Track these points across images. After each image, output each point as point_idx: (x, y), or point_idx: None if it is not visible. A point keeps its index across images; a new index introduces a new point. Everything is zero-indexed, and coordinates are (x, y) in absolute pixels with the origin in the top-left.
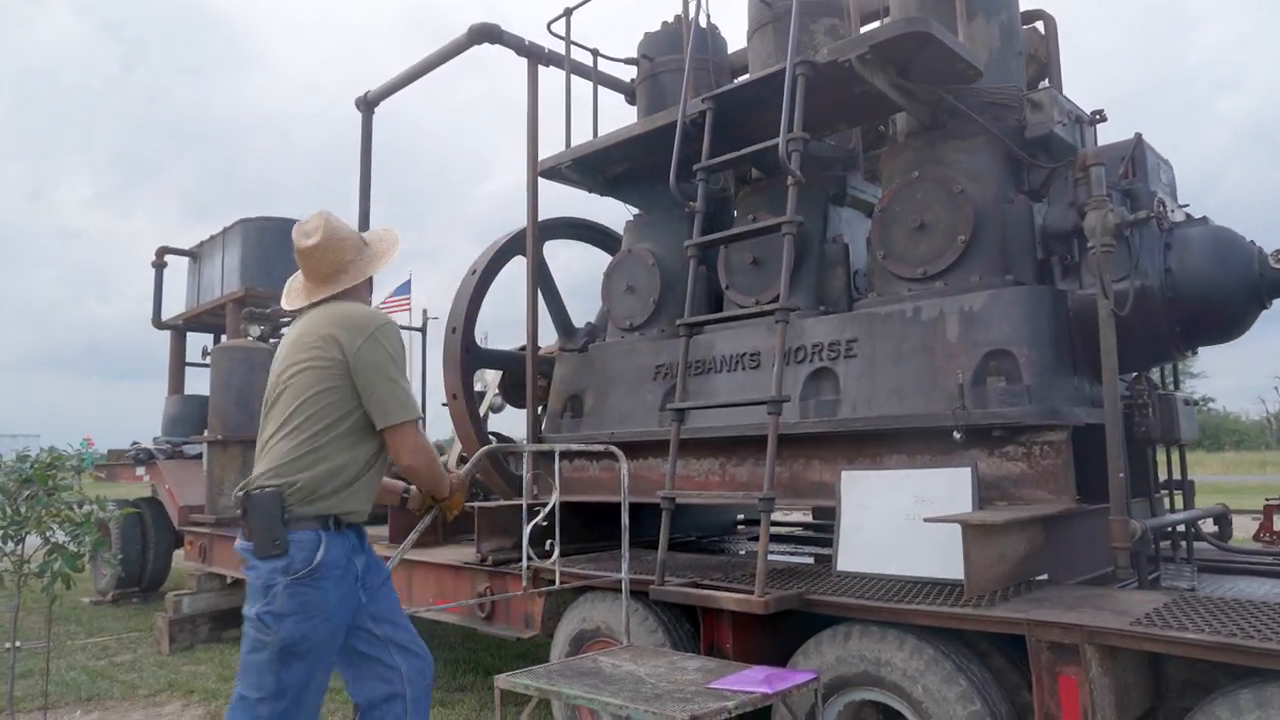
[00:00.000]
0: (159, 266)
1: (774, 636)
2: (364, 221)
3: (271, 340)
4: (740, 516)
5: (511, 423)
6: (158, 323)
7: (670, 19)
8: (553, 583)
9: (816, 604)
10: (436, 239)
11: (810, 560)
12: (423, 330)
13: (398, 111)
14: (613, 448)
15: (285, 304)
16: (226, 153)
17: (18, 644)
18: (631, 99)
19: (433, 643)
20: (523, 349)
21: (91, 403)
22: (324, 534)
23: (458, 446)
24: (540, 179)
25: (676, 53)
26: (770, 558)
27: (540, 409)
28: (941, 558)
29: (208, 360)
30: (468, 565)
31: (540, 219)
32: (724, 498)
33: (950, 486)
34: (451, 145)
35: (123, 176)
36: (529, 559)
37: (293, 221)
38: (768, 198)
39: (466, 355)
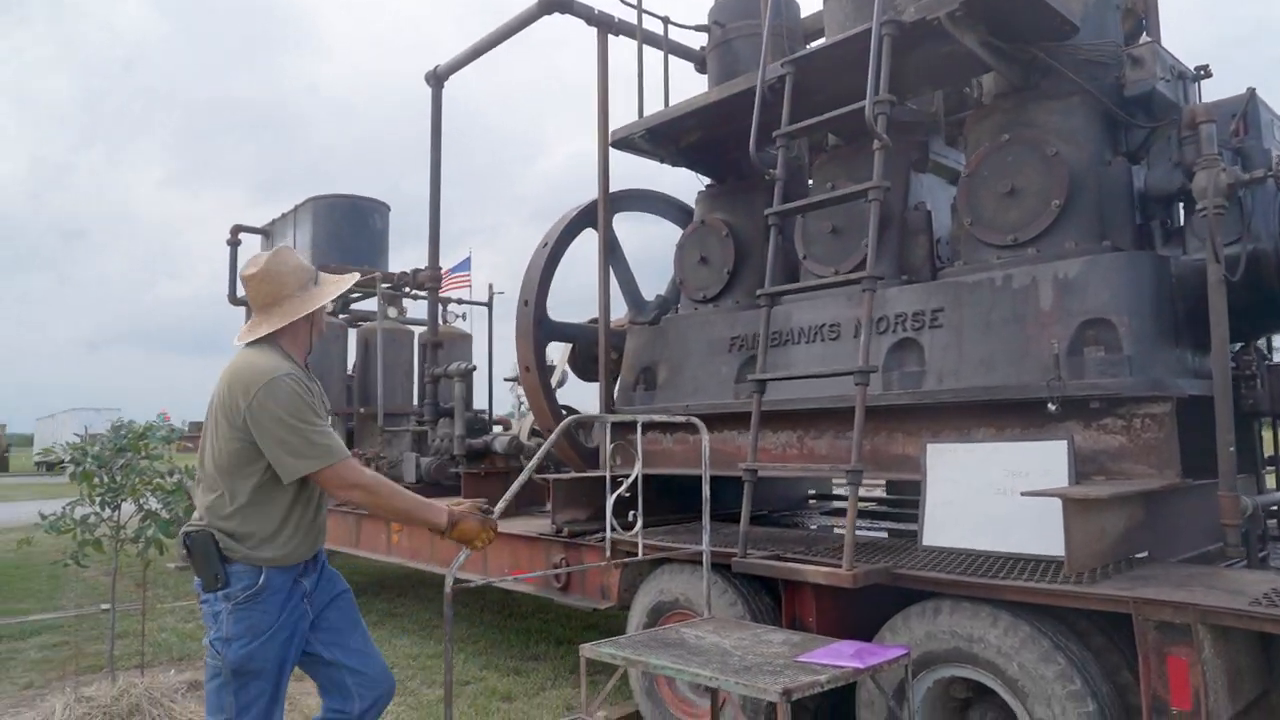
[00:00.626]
0: (233, 244)
1: (857, 611)
2: (435, 196)
3: (341, 315)
4: (811, 491)
5: (578, 396)
6: (234, 299)
7: None
8: (632, 554)
9: (906, 579)
10: (494, 217)
11: (884, 535)
12: (489, 305)
13: (451, 93)
14: (694, 419)
15: (236, 339)
16: (289, 135)
17: (114, 606)
18: (701, 67)
19: (505, 612)
20: (593, 322)
21: (167, 377)
22: (264, 569)
23: (529, 419)
24: (611, 150)
25: (749, 18)
26: (841, 532)
27: (611, 382)
28: (1037, 533)
29: None
30: (543, 536)
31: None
32: (807, 470)
33: (1045, 460)
34: (505, 124)
35: (191, 161)
36: (611, 530)
37: (362, 199)
38: (847, 165)
39: (539, 328)
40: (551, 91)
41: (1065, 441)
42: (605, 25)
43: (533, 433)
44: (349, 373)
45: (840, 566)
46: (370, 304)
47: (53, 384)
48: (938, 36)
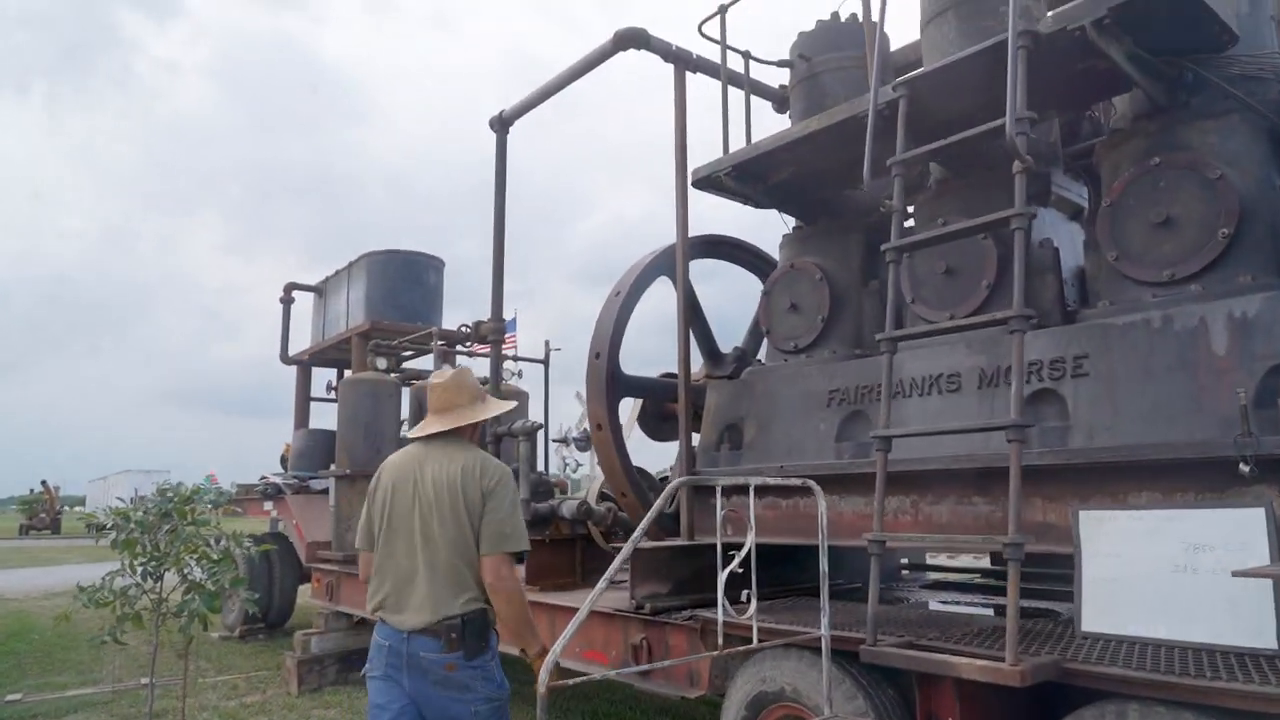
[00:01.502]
0: (286, 302)
1: (1006, 711)
2: (499, 243)
3: (393, 375)
4: (904, 560)
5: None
6: (285, 358)
7: (826, 17)
8: (735, 638)
9: (1083, 676)
10: (536, 279)
11: (990, 612)
12: (544, 362)
13: (487, 153)
14: (809, 482)
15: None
16: (340, 201)
17: (153, 685)
18: (780, 107)
19: (569, 692)
20: (668, 376)
21: (218, 439)
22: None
23: (598, 482)
24: (691, 191)
25: (837, 50)
26: (939, 608)
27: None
28: (1236, 619)
29: (332, 394)
30: (620, 612)
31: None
32: (944, 542)
33: (1237, 530)
34: (545, 184)
35: (247, 227)
36: (725, 610)
37: (416, 254)
38: (959, 199)
39: (613, 383)
40: (593, 151)
41: (1263, 508)
42: (683, 61)
43: (601, 496)
44: (401, 434)
45: (1001, 660)
46: (423, 361)
47: (107, 446)
48: (1077, 50)
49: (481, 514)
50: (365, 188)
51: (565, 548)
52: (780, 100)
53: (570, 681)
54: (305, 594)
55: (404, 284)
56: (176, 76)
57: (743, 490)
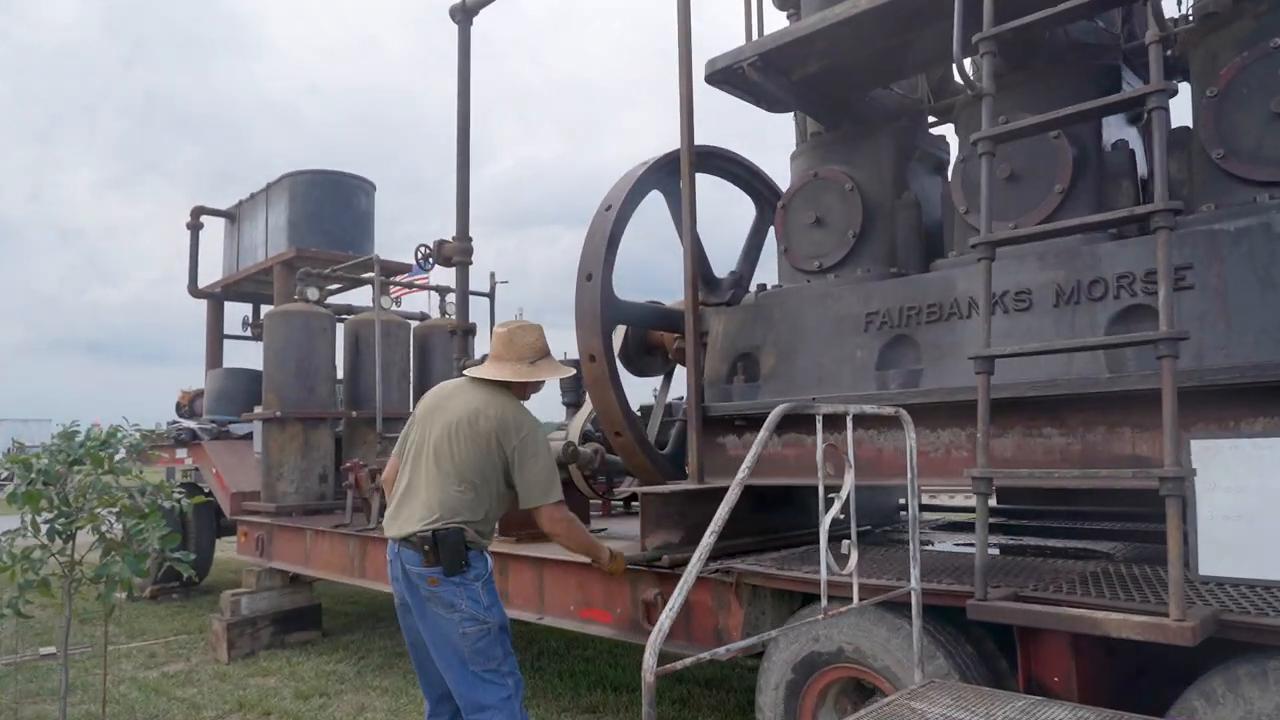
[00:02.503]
0: (194, 228)
1: (1118, 670)
2: (463, 151)
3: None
4: (900, 500)
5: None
6: (194, 290)
7: None
8: (783, 594)
9: (1244, 629)
10: (441, 226)
11: (995, 552)
12: (490, 295)
13: (397, 100)
14: (900, 411)
15: (468, 370)
16: (231, 138)
17: (65, 664)
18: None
19: (569, 654)
20: (675, 304)
21: (99, 386)
22: (486, 554)
23: (580, 419)
24: (695, 90)
25: None
26: (949, 549)
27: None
28: None
29: (248, 331)
30: (630, 565)
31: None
32: (1061, 477)
33: None
34: (451, 129)
35: (128, 164)
36: (828, 566)
37: (346, 175)
38: (1021, 96)
39: (607, 309)
40: (500, 94)
41: None
42: None
43: (585, 435)
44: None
45: (1160, 614)
46: (358, 295)
47: None
48: None
49: (513, 464)
50: (255, 124)
51: None
52: None
53: (678, 665)
54: (223, 549)
55: (332, 208)
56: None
57: (754, 425)
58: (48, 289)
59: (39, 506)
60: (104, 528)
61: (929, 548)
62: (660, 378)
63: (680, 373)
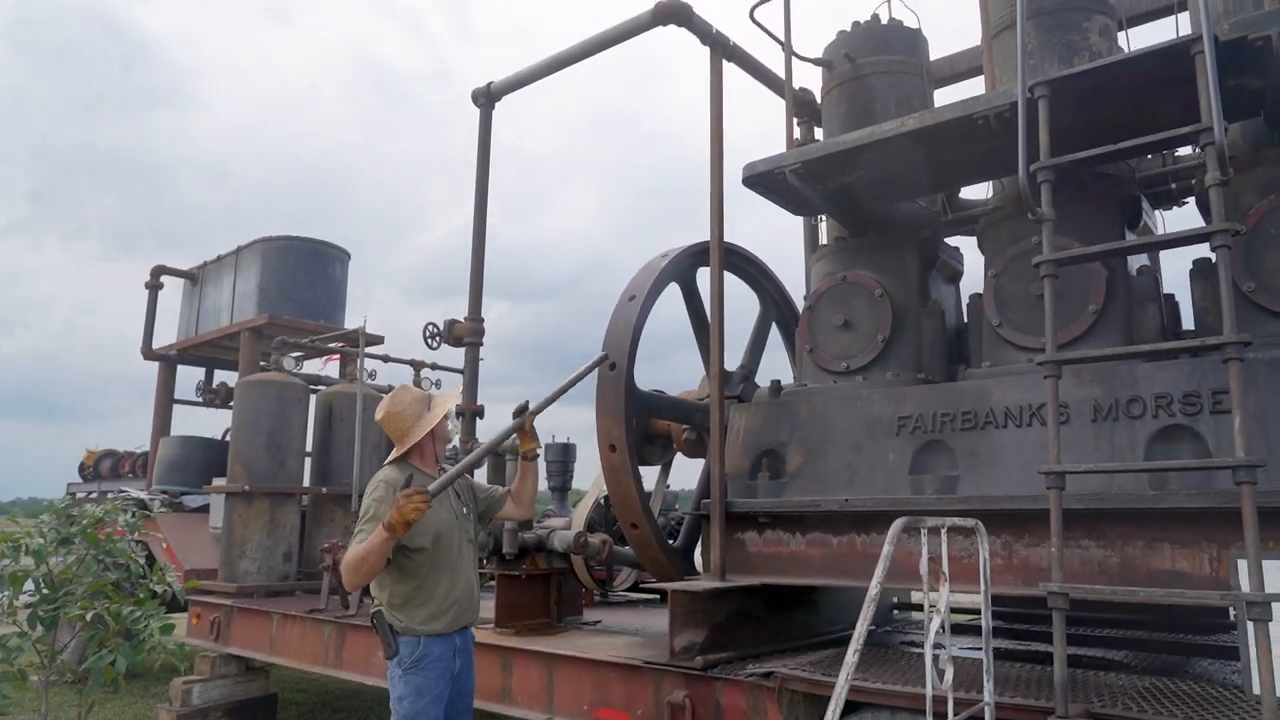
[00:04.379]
0: (153, 288)
1: None
2: (479, 233)
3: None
4: (895, 599)
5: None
6: (148, 352)
7: (868, 17)
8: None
9: None
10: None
11: (1012, 659)
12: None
13: (332, 164)
14: (978, 524)
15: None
16: (154, 191)
17: None
18: (802, 111)
19: None
20: (683, 394)
21: None
22: (424, 639)
23: (584, 507)
24: (724, 191)
25: (886, 53)
26: (959, 653)
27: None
28: None
29: (201, 397)
30: (651, 664)
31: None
32: (1132, 592)
33: None
34: (386, 197)
35: (39, 210)
36: (932, 682)
37: (322, 244)
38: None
39: (631, 399)
40: (433, 164)
41: None
42: (720, 46)
43: (590, 525)
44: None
45: None
46: (324, 366)
47: None
48: (1246, 62)
49: None
50: (180, 180)
51: (539, 584)
52: (807, 106)
53: None
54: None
55: (306, 275)
56: None
57: (780, 523)
58: None
59: (20, 590)
60: (87, 612)
61: (939, 652)
62: (658, 467)
63: (679, 463)
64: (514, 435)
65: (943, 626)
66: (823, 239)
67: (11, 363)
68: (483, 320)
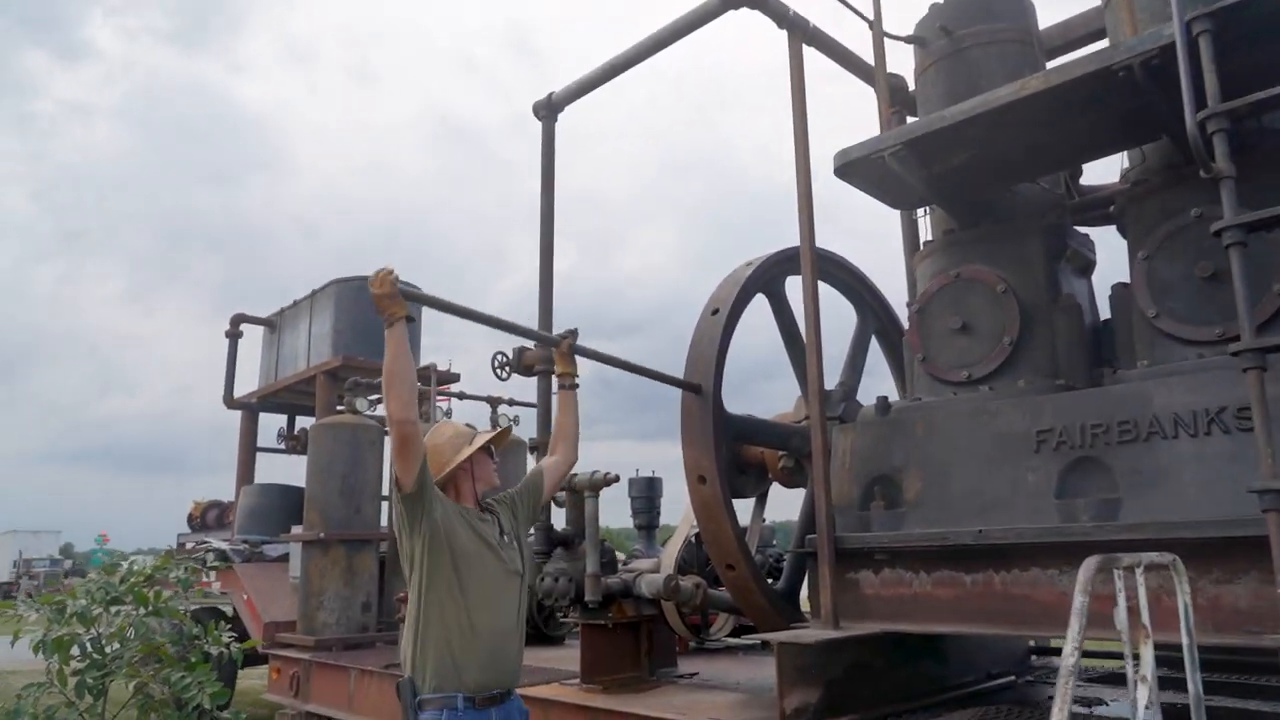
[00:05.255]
0: (233, 336)
1: None
2: (547, 250)
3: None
4: (1031, 643)
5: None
6: (230, 401)
7: None
8: None
9: None
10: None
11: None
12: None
13: (412, 219)
14: (1175, 560)
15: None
16: (251, 252)
17: None
18: (896, 99)
19: None
20: (779, 417)
21: (110, 497)
22: (448, 712)
23: (673, 547)
24: (812, 182)
25: (983, 22)
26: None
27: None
28: None
29: (283, 444)
30: None
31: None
32: None
33: None
34: (469, 244)
35: (150, 276)
36: None
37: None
38: (1211, 188)
39: (721, 425)
40: (515, 210)
41: None
42: (799, 29)
43: (681, 568)
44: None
45: None
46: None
47: None
48: None
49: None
50: (278, 239)
51: (627, 634)
52: (900, 91)
53: None
54: (246, 679)
55: (379, 317)
56: (86, 118)
57: (898, 560)
58: (63, 399)
59: (68, 656)
60: (137, 680)
61: (1103, 709)
62: (752, 500)
63: (776, 494)
64: (552, 350)
65: (1150, 701)
66: (924, 236)
67: (133, 421)
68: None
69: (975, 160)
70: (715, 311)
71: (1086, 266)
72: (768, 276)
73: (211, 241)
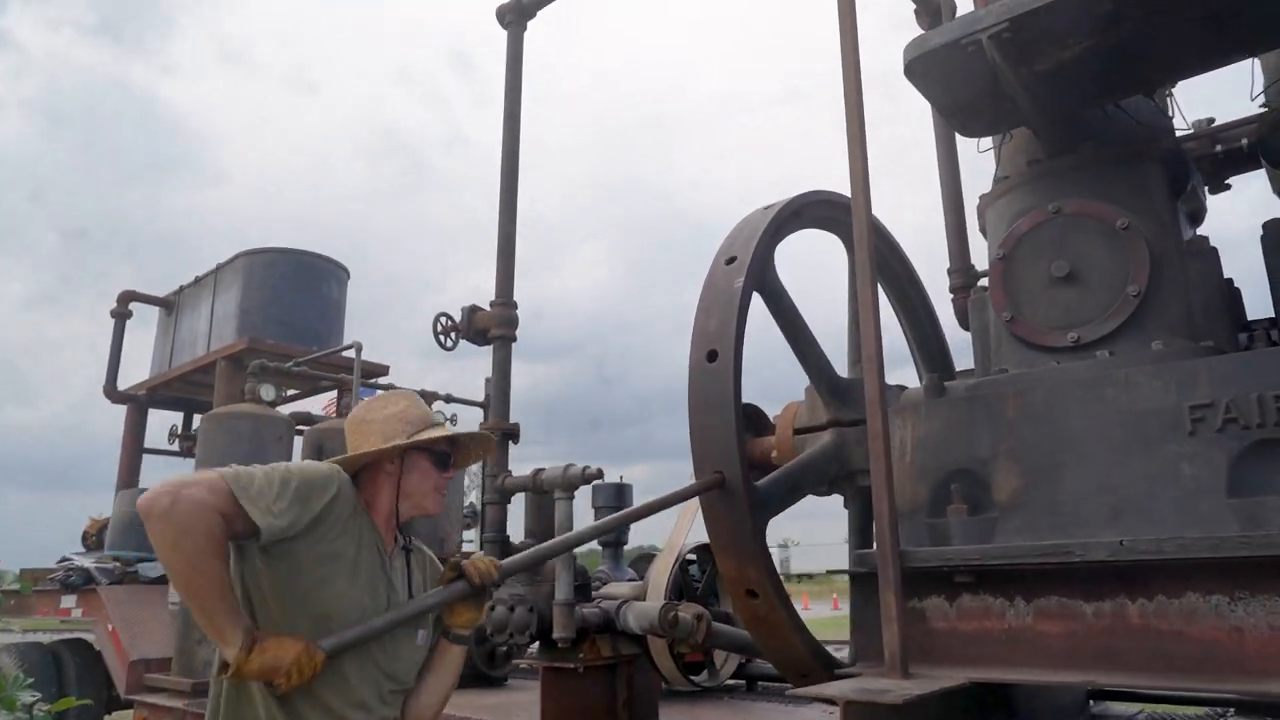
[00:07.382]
0: (121, 316)
1: None
2: (510, 176)
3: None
4: (1089, 689)
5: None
6: (111, 391)
7: None
8: None
9: None
10: (384, 353)
11: None
12: (484, 405)
13: (344, 234)
14: None
15: None
16: (178, 257)
17: None
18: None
19: None
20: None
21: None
22: None
23: (667, 567)
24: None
25: None
26: None
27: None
28: None
29: (175, 445)
30: None
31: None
32: None
33: None
34: (404, 260)
35: (60, 278)
36: None
37: (314, 256)
38: None
39: (758, 516)
40: (448, 227)
41: None
42: None
43: (678, 589)
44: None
45: None
46: (311, 402)
47: None
48: None
49: None
50: (202, 244)
51: (600, 679)
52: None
53: None
54: None
55: (294, 294)
56: None
57: (986, 584)
58: None
59: None
60: None
61: None
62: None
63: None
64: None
65: None
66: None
67: (35, 434)
68: (516, 306)
69: (1094, 52)
70: (731, 260)
71: (1197, 213)
72: (790, 228)
73: (131, 245)
